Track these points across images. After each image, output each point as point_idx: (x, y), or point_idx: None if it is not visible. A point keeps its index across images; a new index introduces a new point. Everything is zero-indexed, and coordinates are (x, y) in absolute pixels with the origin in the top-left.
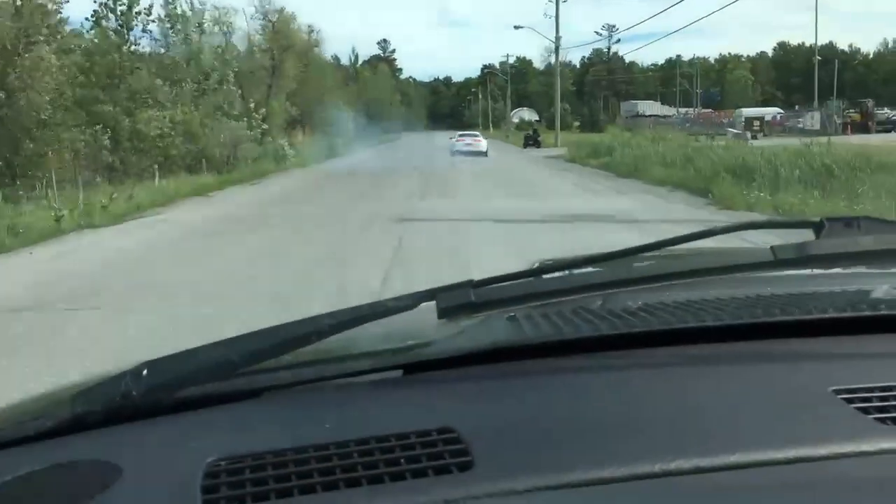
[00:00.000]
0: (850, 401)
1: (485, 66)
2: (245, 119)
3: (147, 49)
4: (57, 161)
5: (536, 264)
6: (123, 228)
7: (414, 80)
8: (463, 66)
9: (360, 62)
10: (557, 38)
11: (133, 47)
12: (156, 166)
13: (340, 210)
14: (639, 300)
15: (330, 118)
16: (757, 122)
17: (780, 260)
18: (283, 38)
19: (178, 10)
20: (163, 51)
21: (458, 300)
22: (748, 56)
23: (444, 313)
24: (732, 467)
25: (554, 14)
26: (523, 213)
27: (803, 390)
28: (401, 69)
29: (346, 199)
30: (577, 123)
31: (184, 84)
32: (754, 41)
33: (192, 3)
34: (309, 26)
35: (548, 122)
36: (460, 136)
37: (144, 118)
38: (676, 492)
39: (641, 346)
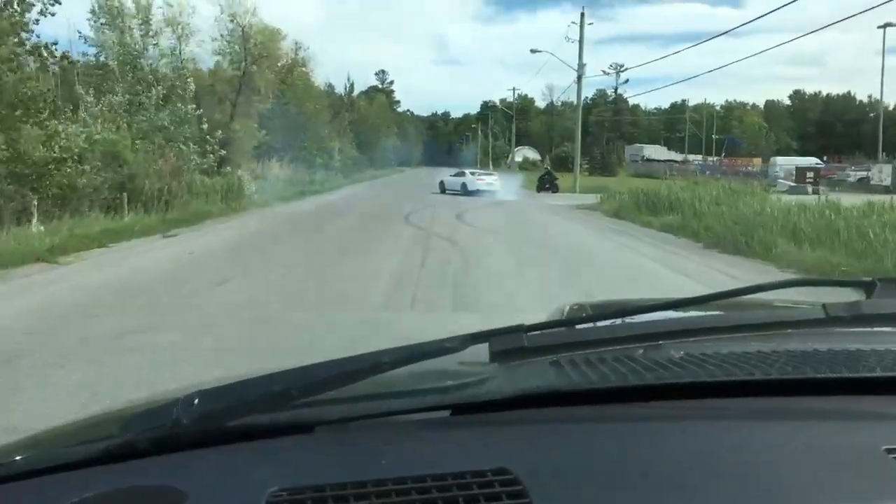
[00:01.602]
0: None
1: (485, 103)
2: (194, 144)
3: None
4: None
5: (567, 308)
6: None
7: (412, 112)
8: (462, 102)
9: (356, 92)
10: (580, 66)
11: (27, 37)
12: (34, 203)
13: (243, 335)
14: (681, 351)
15: (313, 148)
16: (810, 174)
17: (831, 317)
18: (255, 47)
19: (115, 2)
20: (93, 51)
21: (510, 344)
22: (753, 104)
23: (496, 356)
24: None
25: (572, 38)
26: None
27: (855, 449)
28: (398, 101)
29: (280, 291)
30: (585, 165)
31: (113, 95)
32: (755, 89)
33: None
34: (296, 42)
35: (551, 163)
36: (479, 175)
37: (33, 135)
38: None
39: (688, 397)
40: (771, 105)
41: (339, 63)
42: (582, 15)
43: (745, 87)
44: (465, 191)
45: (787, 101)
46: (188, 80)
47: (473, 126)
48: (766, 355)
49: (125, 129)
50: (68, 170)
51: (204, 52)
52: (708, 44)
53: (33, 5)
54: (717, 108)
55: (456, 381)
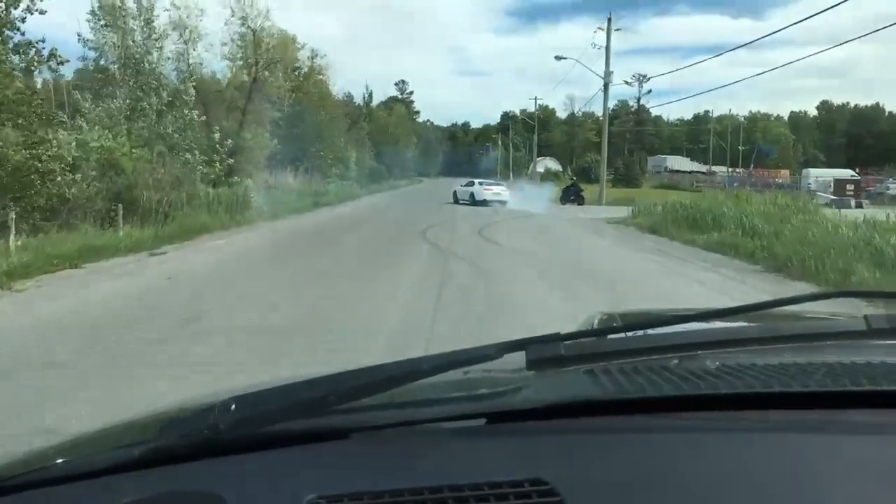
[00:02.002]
0: None
1: (505, 113)
2: (200, 152)
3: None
4: None
5: (597, 318)
6: None
7: (431, 123)
8: (482, 112)
9: (375, 102)
10: (608, 73)
11: (12, 36)
12: (12, 215)
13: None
14: (717, 361)
15: (329, 158)
16: (850, 187)
17: (873, 329)
18: (266, 52)
19: (116, 2)
20: (93, 55)
21: (547, 353)
22: (777, 115)
23: (532, 365)
24: None
25: (598, 44)
26: None
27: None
28: (418, 112)
29: (261, 334)
30: (608, 176)
31: (113, 100)
32: (778, 101)
33: None
34: (312, 49)
35: (574, 174)
36: (486, 185)
37: (13, 139)
38: None
39: (725, 408)
40: (795, 116)
41: (359, 75)
42: (609, 20)
43: (767, 98)
44: (472, 200)
45: (814, 113)
46: (191, 84)
47: (494, 136)
48: (805, 367)
49: (124, 136)
50: (58, 178)
51: (213, 56)
52: (730, 56)
53: (19, 1)
54: (741, 118)
55: (492, 389)
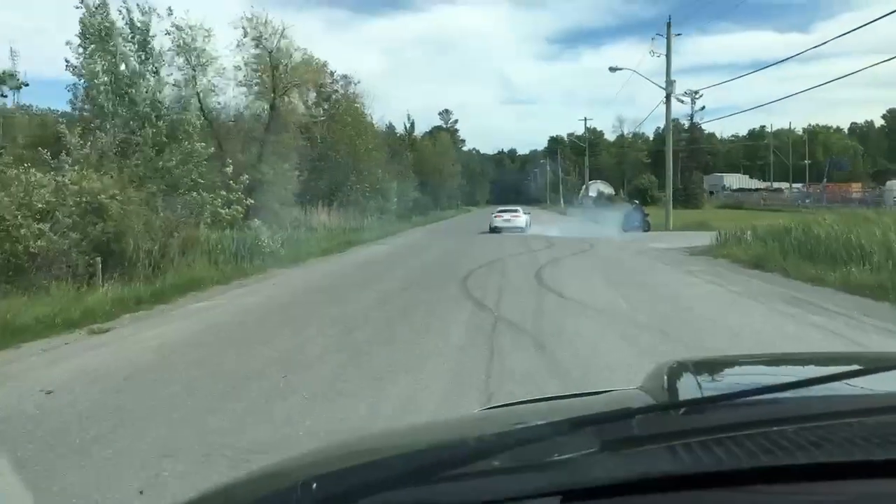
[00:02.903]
0: None
1: (552, 138)
2: (220, 191)
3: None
4: None
5: (667, 367)
6: None
7: (477, 151)
8: (528, 138)
9: (419, 133)
10: (669, 83)
11: None
12: None
13: None
14: (808, 432)
15: (366, 190)
16: None
17: None
18: (285, 75)
19: (102, 23)
20: (82, 83)
21: (622, 431)
22: (837, 127)
23: (606, 443)
24: None
25: (657, 52)
26: None
27: None
28: (463, 140)
29: None
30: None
31: (104, 133)
32: (833, 113)
33: (128, 18)
34: (345, 76)
35: (628, 196)
36: (498, 212)
37: None
38: None
39: (807, 479)
40: (857, 127)
41: (403, 107)
42: (668, 25)
43: (821, 110)
44: (489, 228)
45: (880, 122)
46: (196, 112)
47: (542, 161)
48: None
49: (115, 175)
50: (22, 231)
51: (226, 82)
52: (780, 73)
53: None
54: (799, 132)
55: (567, 466)
